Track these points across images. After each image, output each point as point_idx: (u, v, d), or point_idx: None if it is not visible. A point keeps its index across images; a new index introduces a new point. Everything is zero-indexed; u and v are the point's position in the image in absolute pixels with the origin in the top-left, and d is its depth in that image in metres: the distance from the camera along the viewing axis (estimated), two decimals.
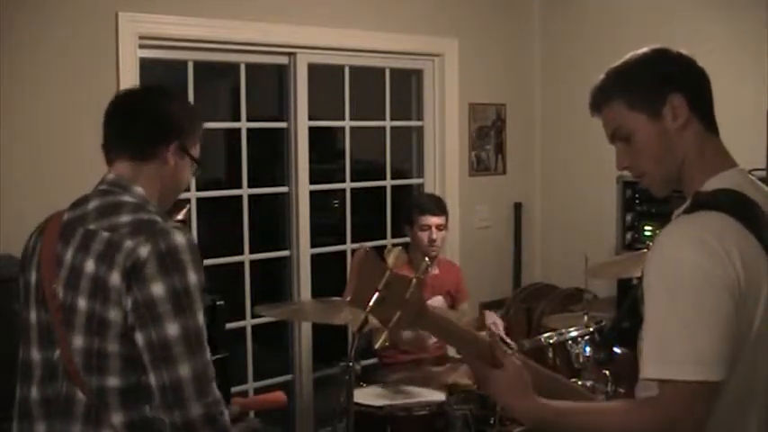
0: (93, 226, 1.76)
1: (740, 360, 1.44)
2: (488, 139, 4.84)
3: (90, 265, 1.71)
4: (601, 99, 1.66)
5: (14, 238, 2.02)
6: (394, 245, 4.43)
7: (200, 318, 1.72)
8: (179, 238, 1.71)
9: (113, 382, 1.70)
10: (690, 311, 1.41)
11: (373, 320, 1.52)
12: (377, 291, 1.48)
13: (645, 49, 1.66)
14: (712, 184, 1.56)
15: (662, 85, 1.59)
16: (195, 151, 1.94)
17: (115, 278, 1.67)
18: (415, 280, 1.50)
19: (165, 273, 1.67)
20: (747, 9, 3.99)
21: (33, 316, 1.82)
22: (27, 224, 1.98)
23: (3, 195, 3.16)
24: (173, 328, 1.67)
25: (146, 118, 1.89)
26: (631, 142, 1.62)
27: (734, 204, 1.49)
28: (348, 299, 1.51)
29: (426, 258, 1.68)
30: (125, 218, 1.75)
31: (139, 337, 1.68)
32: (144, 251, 1.68)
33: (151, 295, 1.66)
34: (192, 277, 1.70)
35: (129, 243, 1.69)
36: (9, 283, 1.94)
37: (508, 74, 4.90)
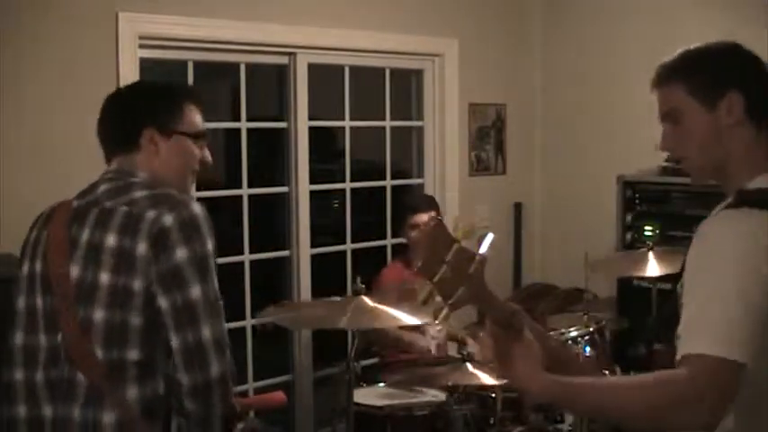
0: (108, 204, 1.82)
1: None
2: (488, 139, 4.84)
3: (111, 240, 1.77)
4: (664, 76, 1.68)
5: (15, 238, 2.02)
6: (394, 246, 4.47)
7: (216, 284, 1.81)
8: (198, 209, 1.81)
9: (133, 354, 1.76)
10: (728, 294, 1.42)
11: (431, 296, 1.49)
12: (444, 263, 1.46)
13: (721, 42, 1.68)
14: (757, 183, 1.58)
15: (725, 80, 1.61)
16: (185, 125, 1.97)
17: (142, 247, 1.74)
18: (478, 256, 1.48)
19: (188, 240, 1.76)
20: (747, 13, 3.99)
21: (39, 302, 1.85)
22: (27, 224, 1.98)
23: (3, 195, 3.16)
24: (196, 292, 1.75)
25: (116, 114, 1.98)
26: (680, 125, 1.64)
27: None
28: (417, 268, 1.49)
29: (491, 234, 1.64)
30: (140, 193, 1.83)
31: (163, 302, 1.74)
32: (168, 219, 1.76)
33: (176, 261, 1.74)
34: (210, 246, 1.80)
35: (151, 213, 1.77)
36: (9, 283, 1.95)
37: (508, 74, 4.90)
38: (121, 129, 1.95)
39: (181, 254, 1.75)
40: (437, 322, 1.48)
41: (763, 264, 1.44)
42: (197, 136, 1.98)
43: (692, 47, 1.68)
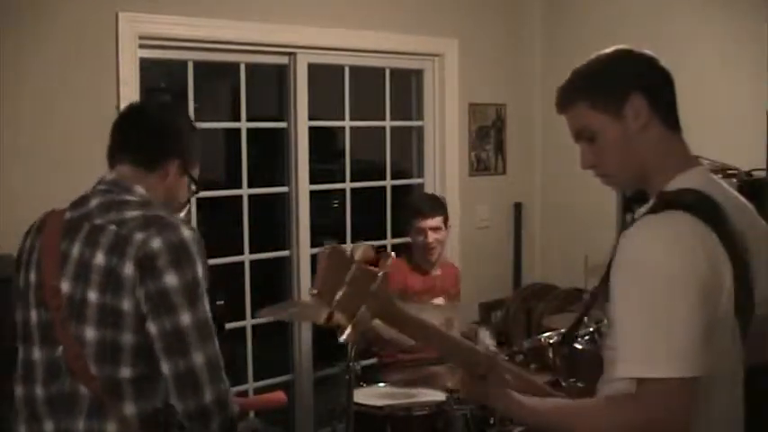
0: (99, 221, 1.80)
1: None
2: (488, 139, 4.84)
3: (100, 258, 1.75)
4: (565, 99, 1.69)
5: (14, 238, 2.02)
6: (394, 245, 4.47)
7: (207, 308, 1.79)
8: (187, 232, 1.79)
9: (126, 372, 1.74)
10: (664, 310, 1.42)
11: (338, 316, 1.51)
12: (343, 284, 1.48)
13: (608, 50, 1.68)
14: (676, 183, 1.59)
15: (623, 86, 1.61)
16: (195, 173, 2.02)
17: (128, 269, 1.72)
18: (380, 273, 1.50)
19: (177, 265, 1.74)
20: (747, 9, 3.99)
21: (34, 315, 1.83)
22: (26, 224, 1.98)
23: (3, 195, 3.16)
24: (186, 319, 1.73)
25: (155, 129, 1.96)
26: (595, 142, 1.65)
27: (697, 204, 1.52)
28: (314, 293, 1.50)
29: (392, 253, 1.67)
30: (131, 213, 1.80)
31: (153, 327, 1.72)
32: (156, 243, 1.73)
33: (165, 286, 1.72)
34: (200, 269, 1.78)
35: (139, 236, 1.75)
36: (9, 283, 1.95)
37: (508, 74, 4.90)
38: (154, 145, 1.94)
39: (170, 279, 1.72)
40: (341, 340, 1.48)
41: (692, 265, 1.44)
42: (196, 185, 2.03)
43: (581, 64, 1.69)
